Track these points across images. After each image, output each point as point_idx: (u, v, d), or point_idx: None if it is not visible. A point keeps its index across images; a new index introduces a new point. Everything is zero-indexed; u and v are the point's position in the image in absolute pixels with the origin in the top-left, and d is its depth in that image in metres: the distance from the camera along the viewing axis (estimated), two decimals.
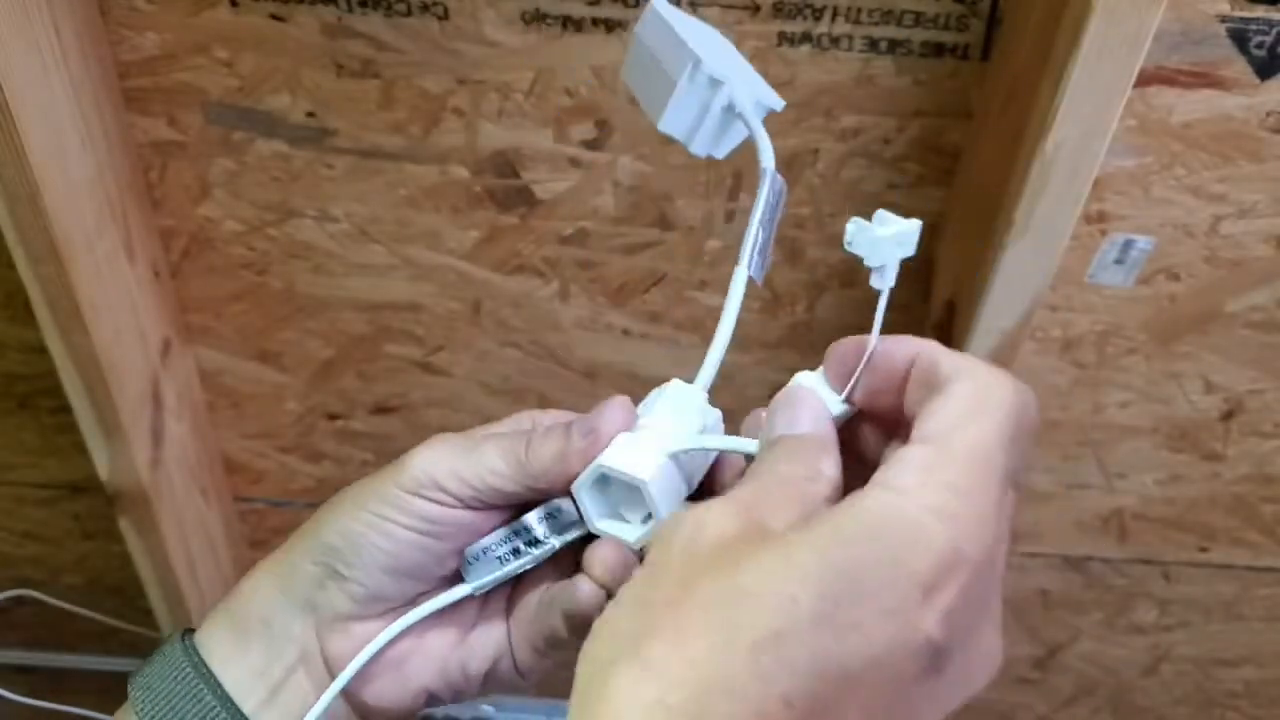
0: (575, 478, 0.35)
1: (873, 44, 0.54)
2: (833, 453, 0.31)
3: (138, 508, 0.67)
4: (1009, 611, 0.83)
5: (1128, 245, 0.60)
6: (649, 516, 0.35)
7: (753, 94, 0.39)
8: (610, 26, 0.54)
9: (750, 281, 0.36)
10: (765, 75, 0.55)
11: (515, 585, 0.39)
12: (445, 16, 0.54)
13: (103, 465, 0.64)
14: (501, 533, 0.37)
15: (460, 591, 0.37)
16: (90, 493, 0.78)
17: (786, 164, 0.59)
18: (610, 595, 0.35)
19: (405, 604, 0.38)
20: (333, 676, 0.37)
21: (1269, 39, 0.51)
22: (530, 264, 0.64)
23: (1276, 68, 0.53)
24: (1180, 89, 0.54)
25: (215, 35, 0.55)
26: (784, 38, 0.54)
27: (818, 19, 0.53)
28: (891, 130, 0.57)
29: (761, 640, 0.24)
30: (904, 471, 0.27)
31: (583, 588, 0.35)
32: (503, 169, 0.60)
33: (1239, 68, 0.53)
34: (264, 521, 0.82)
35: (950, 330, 0.58)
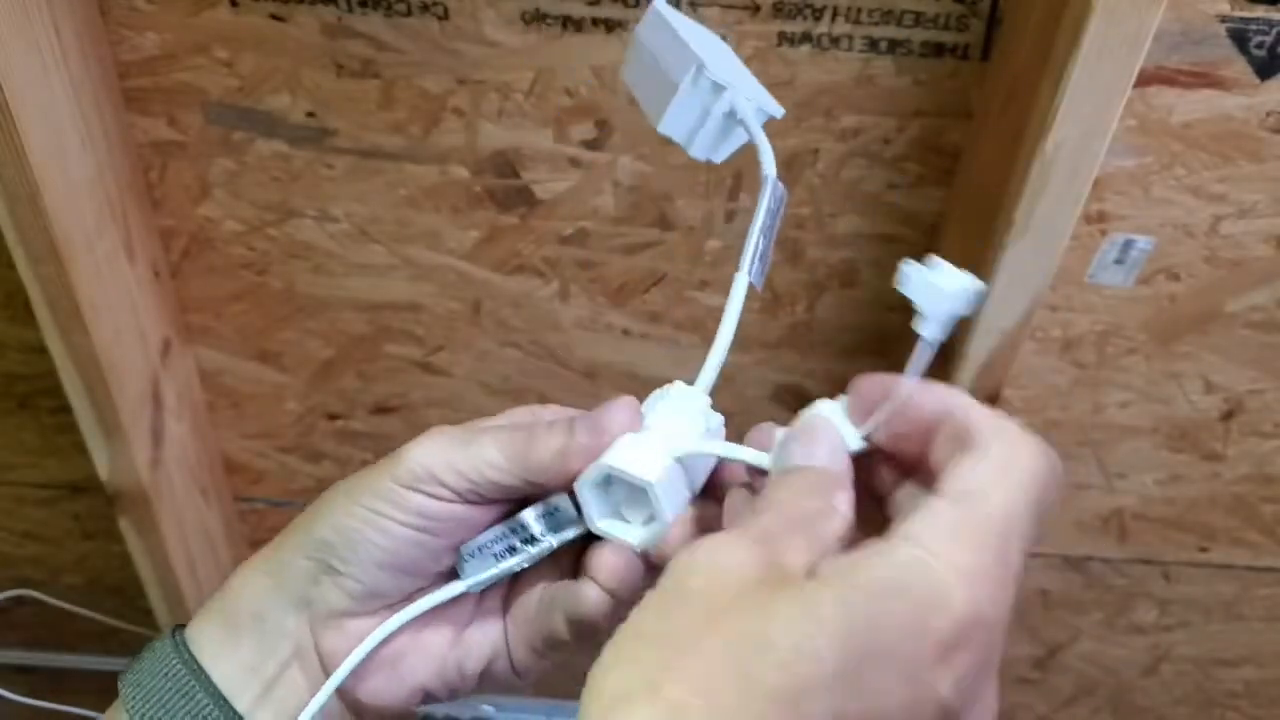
0: (575, 475, 0.35)
1: (873, 44, 0.54)
2: (847, 489, 0.31)
3: (138, 508, 0.67)
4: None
5: (1128, 245, 0.60)
6: (651, 518, 0.34)
7: (753, 100, 0.39)
8: (610, 26, 0.54)
9: (749, 286, 0.36)
10: (765, 75, 0.55)
11: (512, 584, 0.39)
12: (445, 16, 0.54)
13: (103, 465, 0.64)
14: (497, 530, 0.36)
15: (456, 589, 0.37)
16: (90, 493, 0.78)
17: (786, 164, 0.59)
18: (615, 601, 0.35)
19: (401, 600, 0.37)
20: (327, 674, 0.37)
21: (1269, 39, 0.51)
22: (530, 264, 0.64)
23: (1276, 68, 0.53)
24: (1180, 89, 0.54)
25: (215, 35, 0.55)
26: (784, 38, 0.54)
27: (818, 19, 0.53)
28: (891, 130, 0.57)
29: (785, 693, 0.24)
30: (931, 529, 0.27)
31: (588, 593, 0.35)
32: (503, 169, 0.60)
33: (1239, 68, 0.53)
34: (264, 521, 0.82)
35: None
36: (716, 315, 0.66)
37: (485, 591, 0.38)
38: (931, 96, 0.56)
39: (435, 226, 0.63)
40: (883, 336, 0.67)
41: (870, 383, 0.33)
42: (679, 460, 0.34)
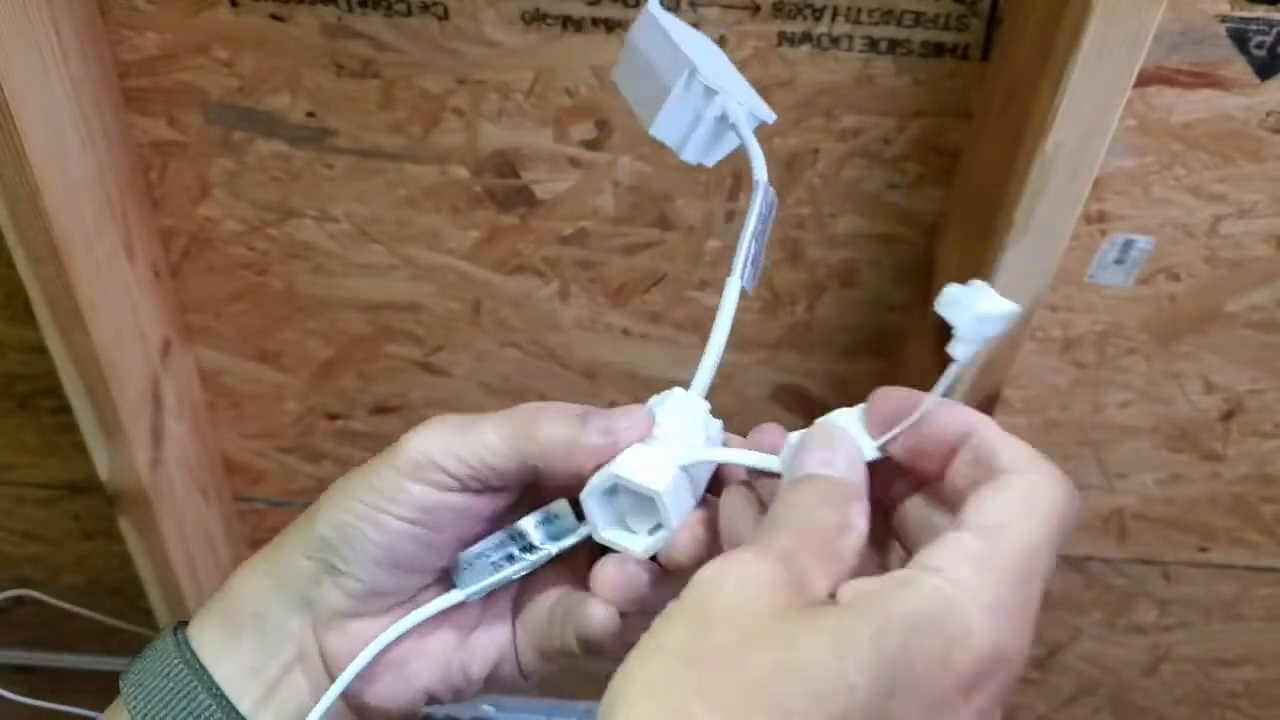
0: (578, 468, 0.34)
1: (873, 44, 0.54)
2: (864, 502, 0.31)
3: (138, 508, 0.67)
4: None
5: (1128, 245, 0.60)
6: (657, 526, 0.34)
7: (745, 105, 0.39)
8: (610, 26, 0.54)
9: (741, 290, 0.36)
10: (765, 75, 0.55)
11: (522, 588, 0.39)
12: (445, 16, 0.54)
13: (103, 465, 0.64)
14: (495, 538, 0.36)
15: (454, 598, 0.37)
16: (90, 493, 0.78)
17: (786, 164, 0.59)
18: (622, 613, 0.35)
19: (404, 599, 0.37)
20: (331, 676, 0.37)
21: (1269, 39, 0.51)
22: (530, 264, 0.64)
23: (1276, 68, 0.53)
24: (1180, 89, 0.54)
25: (215, 35, 0.55)
26: (784, 38, 0.54)
27: (818, 19, 0.53)
28: (891, 130, 0.57)
29: None
30: (956, 560, 0.28)
31: (596, 614, 0.35)
32: (503, 169, 0.60)
33: (1239, 68, 0.53)
34: (264, 521, 0.82)
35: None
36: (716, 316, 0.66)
37: (492, 595, 0.37)
38: (931, 96, 0.56)
39: (435, 226, 0.63)
40: (883, 336, 0.67)
41: (891, 397, 0.33)
42: (685, 469, 0.34)
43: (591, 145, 0.59)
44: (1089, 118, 0.47)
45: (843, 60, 0.55)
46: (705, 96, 0.39)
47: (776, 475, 0.33)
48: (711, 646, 0.26)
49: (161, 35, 0.55)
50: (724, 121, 0.39)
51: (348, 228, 0.63)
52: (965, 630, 0.26)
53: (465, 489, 0.35)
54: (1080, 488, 0.74)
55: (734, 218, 0.61)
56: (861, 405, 0.33)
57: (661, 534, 0.34)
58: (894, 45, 0.54)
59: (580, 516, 0.35)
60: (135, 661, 0.37)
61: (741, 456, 0.34)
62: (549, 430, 0.34)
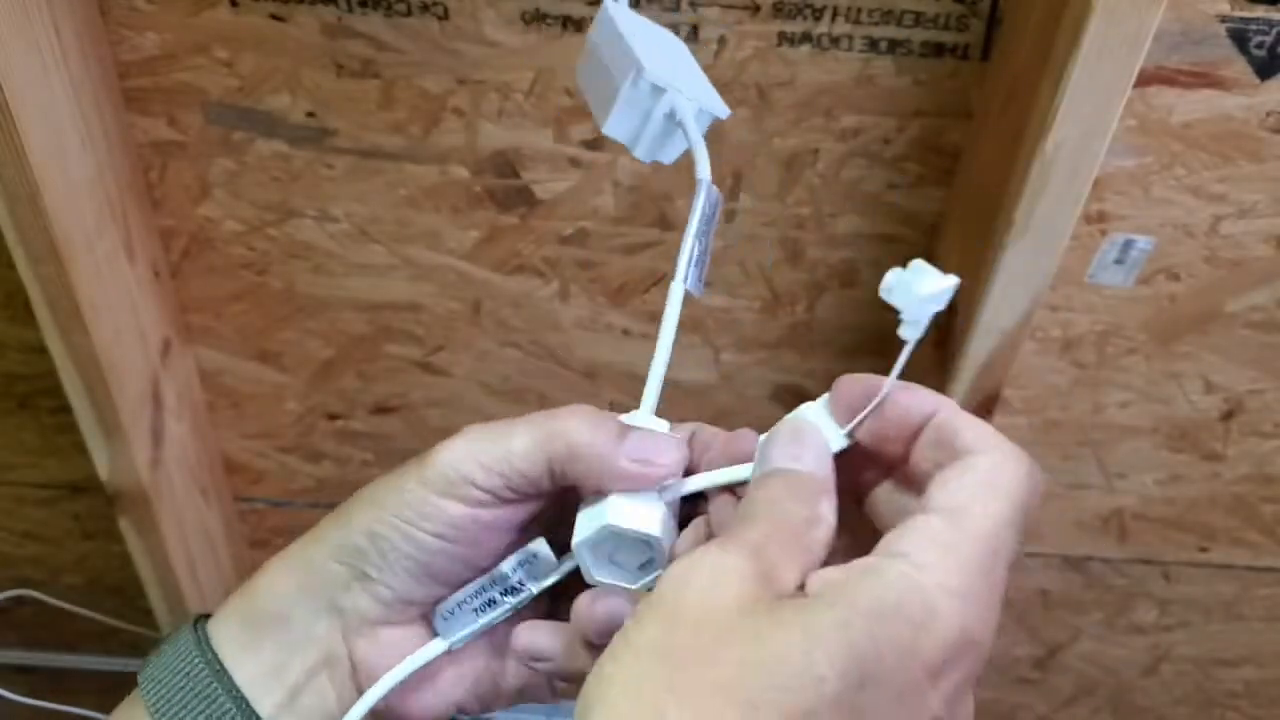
0: (598, 487, 0.34)
1: (873, 44, 0.54)
2: (832, 495, 0.31)
3: (138, 508, 0.67)
4: (1009, 612, 0.83)
5: (1128, 245, 0.60)
6: (650, 561, 0.34)
7: (697, 102, 0.39)
8: None
9: (688, 294, 0.36)
10: (765, 75, 0.55)
11: (550, 610, 0.38)
12: (445, 16, 0.54)
13: (103, 465, 0.64)
14: (474, 585, 0.36)
15: (438, 648, 0.37)
16: (90, 493, 0.78)
17: (786, 164, 0.59)
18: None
19: (435, 607, 0.37)
20: (357, 683, 0.36)
21: (1269, 39, 0.51)
22: (530, 264, 0.64)
23: (1276, 68, 0.53)
24: (1180, 89, 0.54)
25: (215, 35, 0.55)
26: (784, 38, 0.54)
27: (818, 19, 0.53)
28: (891, 130, 0.57)
29: (789, 717, 0.25)
30: (920, 545, 0.28)
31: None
32: (503, 169, 0.60)
33: (1239, 68, 0.53)
34: (264, 521, 0.82)
35: (950, 330, 0.58)
36: (717, 315, 0.67)
37: (526, 610, 0.37)
38: (931, 96, 0.56)
39: (435, 226, 0.63)
40: (883, 336, 0.67)
41: (854, 385, 0.33)
42: (669, 504, 0.34)
43: (591, 145, 0.59)
44: (1089, 118, 0.47)
45: (843, 60, 0.55)
46: (653, 94, 0.38)
47: None
48: (682, 643, 0.26)
49: (161, 35, 0.55)
50: (673, 119, 0.39)
51: (348, 228, 0.63)
52: (931, 614, 0.26)
53: (497, 500, 0.35)
54: (1080, 488, 0.74)
55: (734, 218, 0.61)
56: (826, 395, 0.33)
57: (655, 569, 0.34)
58: (894, 45, 0.54)
59: (558, 549, 0.35)
60: (153, 656, 0.37)
61: (716, 478, 0.34)
62: (577, 432, 0.34)
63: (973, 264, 0.54)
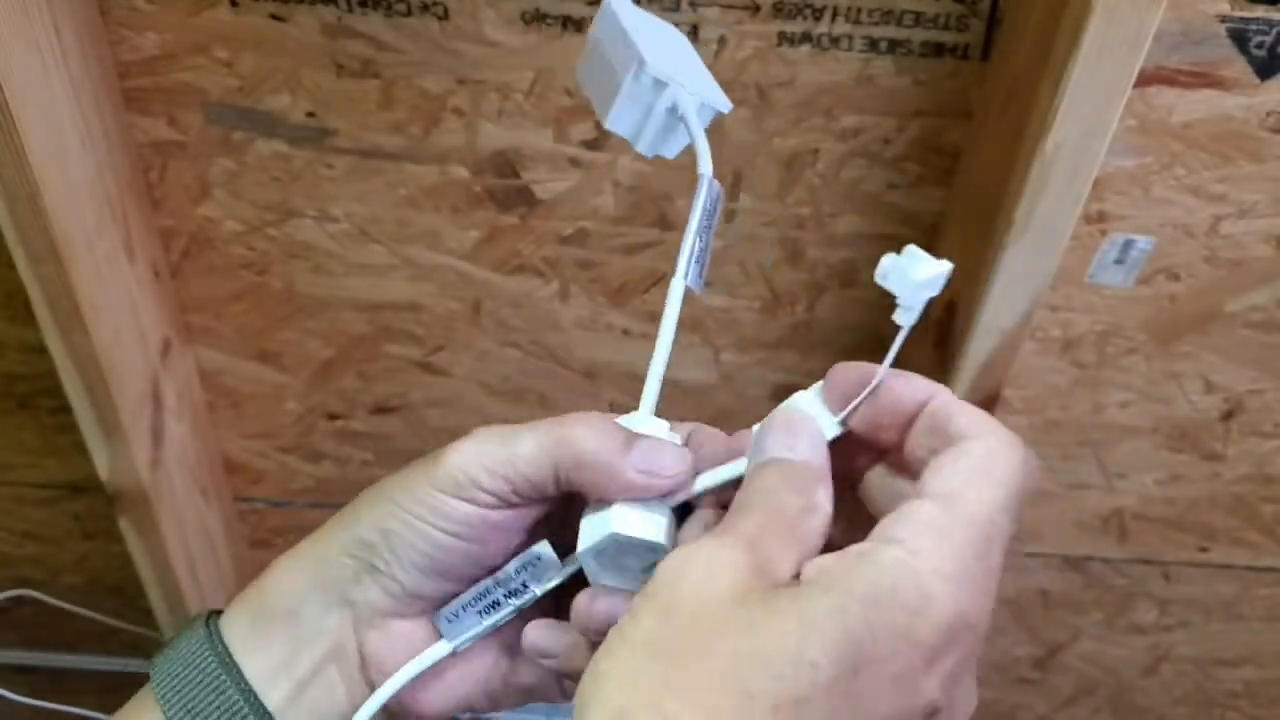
0: (604, 496, 0.34)
1: (873, 44, 0.54)
2: (827, 483, 0.31)
3: (138, 508, 0.67)
4: (1009, 612, 0.83)
5: (1128, 245, 0.60)
6: (653, 566, 0.34)
7: (699, 97, 0.39)
8: None
9: (689, 291, 0.36)
10: (765, 75, 0.55)
11: (558, 607, 0.38)
12: (445, 16, 0.54)
13: (103, 465, 0.64)
14: (478, 588, 0.36)
15: (442, 650, 0.37)
16: (90, 493, 0.78)
17: (786, 164, 0.59)
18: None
19: (444, 602, 0.37)
20: (366, 676, 0.37)
21: (1269, 39, 0.51)
22: (530, 264, 0.64)
23: (1276, 68, 0.53)
24: (1180, 89, 0.54)
25: (215, 35, 0.55)
26: (784, 38, 0.54)
27: (818, 19, 0.53)
28: (891, 130, 0.57)
29: (783, 705, 0.25)
30: (917, 530, 0.28)
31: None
32: (503, 169, 0.60)
33: (1239, 68, 0.53)
34: (264, 521, 0.82)
35: (950, 330, 0.58)
36: (717, 315, 0.67)
37: (536, 606, 0.37)
38: (931, 96, 0.56)
39: (435, 226, 0.63)
40: (883, 336, 0.66)
41: (848, 372, 0.33)
42: (671, 509, 0.34)
43: (591, 145, 0.59)
44: (1089, 118, 0.47)
45: (843, 60, 0.55)
46: (654, 89, 0.38)
47: None
48: (677, 637, 0.26)
49: (161, 35, 0.55)
50: (674, 113, 0.39)
51: (348, 228, 0.63)
52: (926, 600, 0.26)
53: (505, 504, 0.35)
54: (1080, 488, 0.74)
55: (735, 218, 0.61)
56: (819, 383, 0.34)
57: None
58: (894, 45, 0.54)
59: (565, 550, 0.35)
60: (165, 649, 0.37)
61: (715, 476, 0.34)
62: (584, 440, 0.34)
63: (973, 264, 0.54)
